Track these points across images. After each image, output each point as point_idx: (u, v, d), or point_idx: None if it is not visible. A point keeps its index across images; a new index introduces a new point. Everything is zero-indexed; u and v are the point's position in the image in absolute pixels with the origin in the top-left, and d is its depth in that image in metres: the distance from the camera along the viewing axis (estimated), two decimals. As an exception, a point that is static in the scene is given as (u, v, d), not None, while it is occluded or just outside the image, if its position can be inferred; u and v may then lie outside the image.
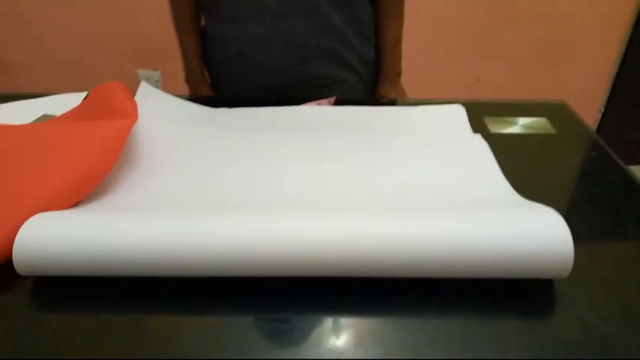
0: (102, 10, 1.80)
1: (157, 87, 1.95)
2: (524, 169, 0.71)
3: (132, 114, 0.66)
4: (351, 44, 0.92)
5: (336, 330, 0.46)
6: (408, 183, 0.63)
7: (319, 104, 0.87)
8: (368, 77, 1.01)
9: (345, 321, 0.47)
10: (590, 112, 2.05)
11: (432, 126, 0.79)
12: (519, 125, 0.81)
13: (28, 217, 0.49)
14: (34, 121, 0.78)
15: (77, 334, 0.46)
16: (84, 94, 0.79)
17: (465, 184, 0.63)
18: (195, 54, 0.95)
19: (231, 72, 0.93)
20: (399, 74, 1.01)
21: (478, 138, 0.74)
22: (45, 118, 0.78)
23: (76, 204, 0.57)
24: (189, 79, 1.00)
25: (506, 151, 0.74)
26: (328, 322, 0.47)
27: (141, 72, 1.92)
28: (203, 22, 0.96)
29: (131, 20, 1.80)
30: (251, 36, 0.85)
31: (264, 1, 0.82)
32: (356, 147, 0.72)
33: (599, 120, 2.06)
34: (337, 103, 0.88)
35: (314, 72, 0.91)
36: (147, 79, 1.94)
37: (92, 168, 0.59)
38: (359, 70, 0.97)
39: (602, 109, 2.03)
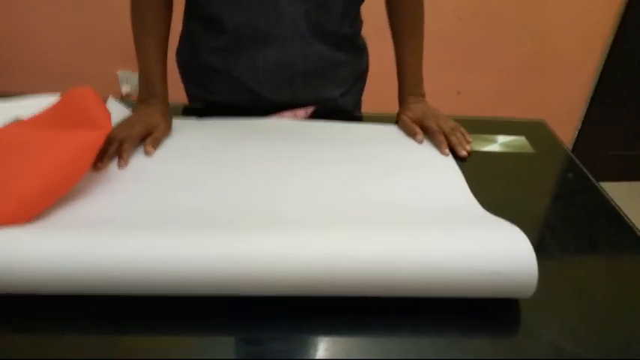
0: (82, 10, 1.77)
1: (137, 89, 1.94)
2: (502, 188, 0.71)
3: (105, 124, 0.64)
4: (341, 62, 0.91)
5: (309, 354, 0.45)
6: (377, 199, 0.63)
7: (295, 115, 0.86)
8: (359, 88, 1.00)
9: (318, 344, 0.46)
10: (568, 127, 2.08)
11: (403, 143, 0.79)
12: (498, 143, 0.82)
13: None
14: (6, 123, 0.75)
15: (44, 354, 0.44)
16: (55, 97, 0.77)
17: (431, 199, 0.63)
18: (158, 58, 0.81)
19: (217, 82, 0.91)
20: (422, 95, 0.89)
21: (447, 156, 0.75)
22: (17, 121, 0.76)
23: (38, 215, 0.55)
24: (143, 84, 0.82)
25: (484, 169, 0.74)
26: (300, 345, 0.46)
27: (121, 73, 1.89)
28: (181, 30, 0.93)
29: (112, 20, 1.77)
30: (240, 58, 0.84)
31: (258, 23, 0.80)
32: (326, 162, 0.71)
33: (576, 135, 2.09)
34: (314, 113, 0.88)
35: (301, 94, 0.90)
36: (127, 81, 1.91)
37: (61, 176, 0.57)
38: (351, 83, 0.95)
39: (580, 125, 2.07)
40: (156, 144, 0.73)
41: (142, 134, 0.73)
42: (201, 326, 0.47)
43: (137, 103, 0.80)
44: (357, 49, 0.94)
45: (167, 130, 0.77)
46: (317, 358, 0.44)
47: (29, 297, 0.48)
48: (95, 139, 0.61)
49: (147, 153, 0.71)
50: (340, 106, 0.95)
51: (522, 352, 0.46)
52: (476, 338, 0.47)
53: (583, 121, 2.06)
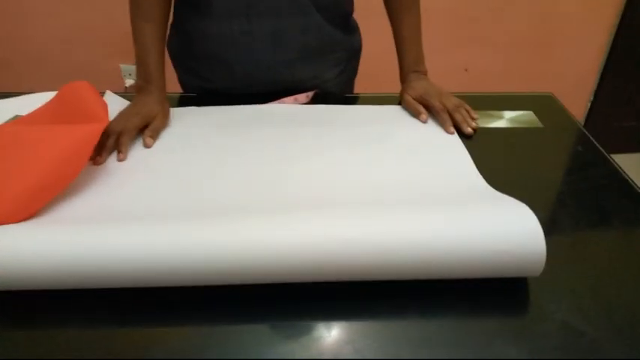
0: (83, 4, 1.76)
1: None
2: (511, 164, 0.69)
3: (102, 117, 0.63)
4: (337, 41, 0.89)
5: (314, 340, 0.44)
6: (383, 180, 0.62)
7: (296, 99, 0.85)
8: (354, 68, 0.99)
9: (324, 330, 0.45)
10: (579, 101, 2.04)
11: (408, 124, 0.77)
12: (506, 119, 0.80)
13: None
14: (6, 121, 0.75)
15: (43, 350, 0.44)
16: (54, 94, 0.76)
17: (437, 180, 0.62)
18: (155, 44, 0.79)
19: (212, 69, 0.90)
20: (424, 73, 0.86)
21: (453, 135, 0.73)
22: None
23: (40, 209, 0.54)
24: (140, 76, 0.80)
25: (492, 146, 0.72)
26: (306, 331, 0.45)
27: (123, 66, 1.89)
28: (171, 19, 0.91)
29: (113, 13, 1.76)
30: (236, 33, 0.83)
31: None
32: (333, 145, 0.70)
33: (588, 108, 2.05)
34: (315, 97, 0.86)
35: (299, 75, 0.88)
36: (130, 74, 1.90)
37: (58, 172, 0.56)
38: (345, 62, 0.94)
39: (592, 98, 2.02)
40: (155, 135, 0.72)
41: (139, 125, 0.72)
42: (199, 317, 0.47)
43: (135, 91, 0.79)
44: (350, 28, 0.93)
45: (165, 118, 0.76)
46: (322, 343, 0.44)
47: (28, 292, 0.47)
48: (92, 133, 0.61)
49: (146, 145, 0.70)
50: (336, 86, 0.93)
51: (532, 332, 0.45)
52: (484, 319, 0.46)
53: (594, 94, 2.02)
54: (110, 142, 0.68)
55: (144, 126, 0.72)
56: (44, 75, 1.91)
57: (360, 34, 0.97)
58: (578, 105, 2.04)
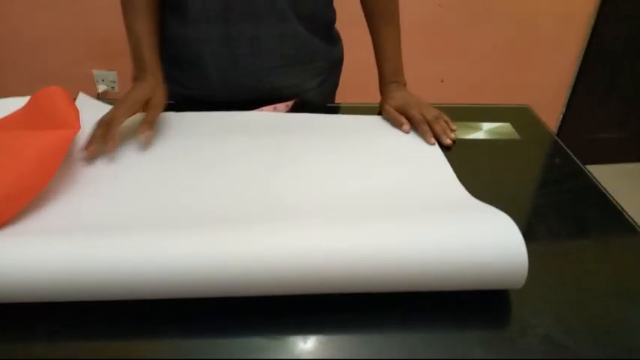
0: (55, 8, 1.72)
1: (112, 87, 1.90)
2: (489, 175, 0.70)
3: (73, 123, 0.61)
4: (318, 50, 0.89)
5: (293, 354, 0.43)
6: (364, 190, 0.61)
7: (275, 108, 0.84)
8: (335, 78, 0.99)
9: (307, 345, 0.44)
10: (552, 111, 2.08)
11: (388, 134, 0.77)
12: (484, 131, 0.80)
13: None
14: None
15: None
16: (27, 99, 0.74)
17: (419, 190, 0.61)
18: (147, 35, 0.78)
19: (190, 76, 0.88)
20: (403, 84, 0.86)
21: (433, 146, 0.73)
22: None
23: (8, 220, 0.52)
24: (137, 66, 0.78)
25: (470, 158, 0.73)
26: (294, 343, 0.44)
27: (96, 72, 1.84)
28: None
29: (86, 18, 1.73)
30: (215, 37, 0.81)
31: (230, 1, 0.78)
32: (313, 155, 0.69)
33: (560, 120, 2.09)
34: (295, 106, 0.85)
35: (279, 83, 0.87)
36: (102, 80, 1.86)
37: (28, 180, 0.54)
38: (327, 72, 0.94)
39: (564, 110, 2.06)
40: (151, 126, 0.69)
41: (128, 113, 0.68)
42: (192, 329, 0.45)
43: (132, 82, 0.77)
44: (331, 38, 0.92)
45: (161, 103, 0.73)
46: (302, 359, 0.42)
47: (22, 304, 0.45)
48: (62, 139, 0.58)
49: (143, 137, 0.67)
50: (317, 96, 0.92)
51: (514, 346, 0.44)
52: (466, 333, 0.46)
53: (567, 105, 2.06)
54: (98, 133, 0.65)
55: (133, 113, 0.69)
56: (15, 79, 1.85)
57: (342, 45, 0.97)
58: (550, 116, 2.08)
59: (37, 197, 0.55)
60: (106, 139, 0.65)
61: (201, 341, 0.44)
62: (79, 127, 0.62)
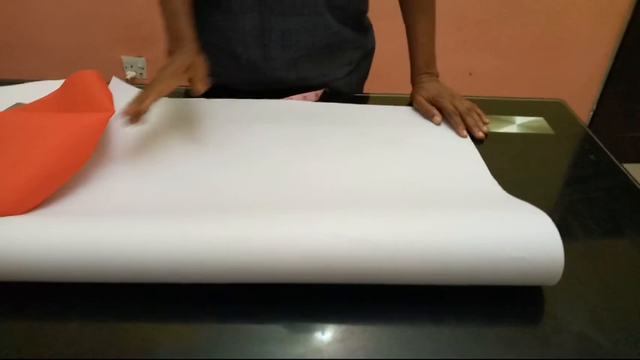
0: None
1: (141, 74, 1.91)
2: (522, 170, 0.68)
3: (108, 107, 0.62)
4: (348, 40, 0.88)
5: (325, 344, 0.43)
6: (395, 181, 0.60)
7: (305, 97, 0.84)
8: (365, 67, 0.98)
9: (335, 334, 0.44)
10: (582, 107, 2.03)
11: (419, 125, 0.76)
12: (517, 124, 0.79)
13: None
14: (7, 109, 0.73)
15: (43, 345, 0.42)
16: (60, 82, 0.75)
17: (452, 183, 0.61)
18: (183, 8, 0.73)
19: (220, 63, 0.88)
20: (436, 75, 0.85)
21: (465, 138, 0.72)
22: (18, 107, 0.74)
23: (44, 200, 0.53)
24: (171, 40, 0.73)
25: (503, 151, 0.71)
26: (317, 334, 0.44)
27: (125, 58, 1.86)
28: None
29: (117, 4, 1.74)
30: (246, 28, 0.81)
31: None
32: (344, 146, 0.69)
33: (590, 116, 2.04)
34: (323, 96, 0.85)
35: (306, 74, 0.87)
36: (131, 66, 1.88)
37: (64, 161, 0.55)
38: (357, 62, 0.93)
39: (594, 107, 2.02)
40: (204, 83, 0.65)
41: (167, 77, 0.63)
42: (205, 315, 0.46)
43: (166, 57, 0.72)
44: (363, 27, 0.91)
45: (203, 64, 0.68)
46: (332, 348, 0.42)
47: (30, 284, 0.46)
48: (99, 121, 0.59)
49: (197, 90, 0.64)
50: (346, 85, 0.92)
51: (548, 343, 0.44)
52: (498, 328, 0.45)
53: (597, 102, 2.01)
54: (140, 95, 0.59)
55: (177, 76, 0.64)
56: (43, 61, 1.88)
57: (373, 34, 0.96)
58: (580, 113, 2.03)
59: (71, 178, 0.56)
60: (141, 98, 0.59)
61: (232, 326, 0.44)
62: (113, 110, 0.62)
